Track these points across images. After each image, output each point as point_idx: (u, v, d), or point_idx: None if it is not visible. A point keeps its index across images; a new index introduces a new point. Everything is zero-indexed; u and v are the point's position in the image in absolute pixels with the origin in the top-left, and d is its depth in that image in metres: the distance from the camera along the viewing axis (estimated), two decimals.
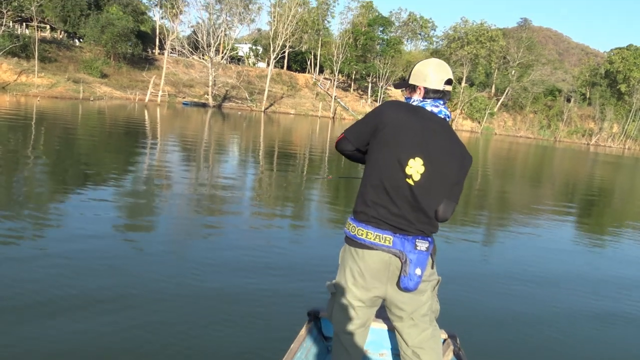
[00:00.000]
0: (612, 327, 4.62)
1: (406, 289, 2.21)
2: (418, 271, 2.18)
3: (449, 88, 2.35)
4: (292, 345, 2.65)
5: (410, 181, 2.19)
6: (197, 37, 56.54)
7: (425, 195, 2.21)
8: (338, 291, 2.35)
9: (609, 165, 33.75)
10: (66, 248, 5.15)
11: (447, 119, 2.34)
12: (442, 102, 2.33)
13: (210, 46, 56.49)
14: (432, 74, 2.33)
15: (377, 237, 2.19)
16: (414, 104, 2.33)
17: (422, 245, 2.20)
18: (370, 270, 2.24)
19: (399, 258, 2.20)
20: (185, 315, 3.86)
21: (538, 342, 4.11)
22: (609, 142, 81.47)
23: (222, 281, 4.67)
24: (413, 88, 2.37)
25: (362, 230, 2.22)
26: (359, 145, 2.34)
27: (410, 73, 2.42)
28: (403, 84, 2.46)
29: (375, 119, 2.26)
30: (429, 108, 2.30)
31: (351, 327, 2.34)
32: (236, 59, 72.61)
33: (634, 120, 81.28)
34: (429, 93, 2.32)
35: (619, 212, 12.58)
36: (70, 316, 3.70)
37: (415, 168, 2.18)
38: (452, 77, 2.36)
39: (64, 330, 3.50)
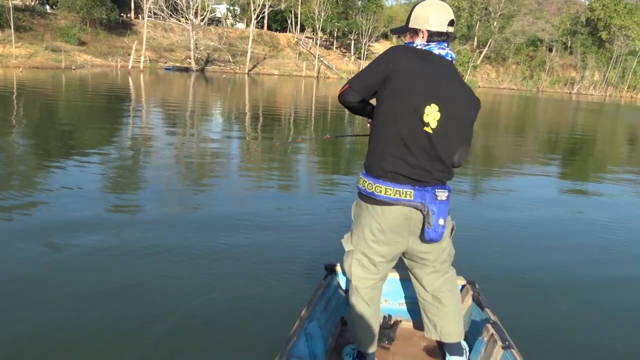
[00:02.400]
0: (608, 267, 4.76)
1: (431, 240, 2.21)
2: (441, 221, 2.17)
3: (451, 29, 2.25)
4: (311, 298, 2.68)
5: (428, 129, 2.12)
6: None
7: (443, 143, 2.16)
8: (357, 248, 2.32)
9: (590, 112, 34.30)
10: (50, 215, 5.11)
11: (453, 61, 2.28)
12: (446, 45, 2.25)
13: (189, 8, 55.31)
14: (434, 15, 2.21)
15: (397, 192, 2.14)
16: (419, 48, 2.23)
17: (442, 194, 2.17)
18: (390, 226, 2.21)
19: (421, 210, 2.17)
20: (193, 274, 3.87)
21: (549, 282, 4.21)
22: (591, 90, 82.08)
23: (227, 240, 4.62)
24: (415, 32, 2.26)
25: (380, 187, 2.16)
26: (366, 95, 2.24)
27: (410, 17, 2.29)
28: (403, 29, 2.33)
29: (386, 67, 2.15)
30: (436, 51, 2.22)
31: (371, 282, 2.34)
32: (215, 21, 71.20)
33: (614, 68, 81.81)
34: (432, 36, 2.22)
35: (602, 158, 13.03)
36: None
37: (432, 115, 2.12)
38: (454, 18, 2.27)
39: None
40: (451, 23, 2.24)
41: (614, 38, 79.64)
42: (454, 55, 2.27)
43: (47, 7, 55.96)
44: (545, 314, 3.66)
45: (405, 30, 2.31)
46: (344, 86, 2.26)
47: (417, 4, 2.30)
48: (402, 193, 2.14)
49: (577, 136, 17.91)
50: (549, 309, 3.76)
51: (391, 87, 2.14)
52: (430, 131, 2.13)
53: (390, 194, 2.15)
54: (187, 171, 7.66)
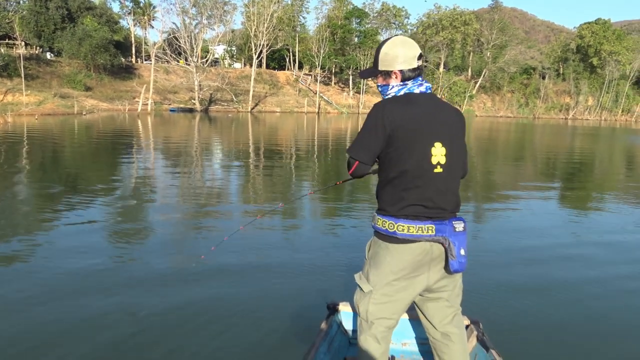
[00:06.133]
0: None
1: (456, 272, 2.22)
2: (462, 251, 2.20)
3: (421, 62, 2.26)
4: (314, 340, 2.66)
5: (438, 169, 2.17)
6: (179, 42, 56.94)
7: (452, 176, 2.24)
8: (375, 289, 2.29)
9: (587, 136, 34.98)
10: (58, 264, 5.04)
11: (430, 90, 2.29)
12: (421, 79, 2.26)
13: (193, 50, 57.06)
14: (402, 53, 2.22)
15: (420, 229, 2.16)
16: (396, 89, 2.25)
17: (459, 225, 2.21)
18: (412, 263, 2.22)
19: (442, 244, 2.20)
20: (193, 318, 3.79)
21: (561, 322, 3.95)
22: (586, 115, 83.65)
23: (224, 280, 4.60)
24: (387, 74, 2.27)
25: (402, 226, 2.17)
26: (374, 161, 2.26)
27: (377, 59, 2.29)
28: (372, 71, 2.34)
29: (384, 129, 2.15)
30: (416, 90, 2.23)
31: (389, 322, 2.34)
32: (213, 62, 73.18)
33: (607, 92, 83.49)
34: (405, 74, 2.23)
35: (602, 179, 13.42)
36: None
37: (439, 153, 2.17)
38: (422, 52, 2.28)
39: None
40: (420, 57, 2.26)
41: (605, 63, 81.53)
42: (430, 85, 2.30)
43: (48, 54, 57.42)
44: (552, 355, 3.49)
45: (375, 73, 2.32)
46: (352, 163, 2.25)
47: (381, 46, 2.30)
48: (424, 229, 2.17)
49: (576, 160, 18.60)
50: (556, 349, 3.55)
51: (396, 143, 2.16)
52: (441, 170, 2.19)
53: (412, 232, 2.17)
54: (190, 211, 7.76)
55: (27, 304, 4.03)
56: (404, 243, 2.19)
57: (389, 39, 2.29)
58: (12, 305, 4.01)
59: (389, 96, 2.26)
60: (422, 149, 2.15)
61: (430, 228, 2.17)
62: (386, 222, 2.21)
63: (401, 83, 2.24)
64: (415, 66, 2.23)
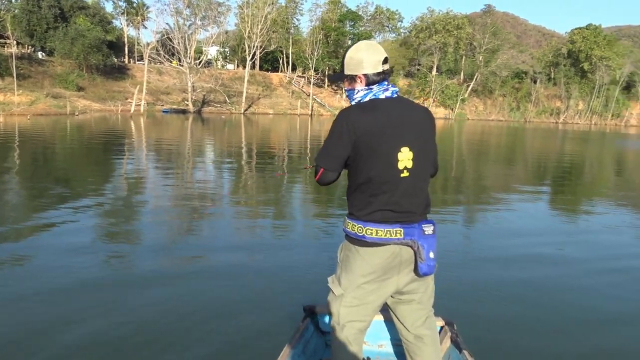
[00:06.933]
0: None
1: (425, 275, 2.25)
2: (432, 254, 2.22)
3: (387, 67, 2.25)
4: (290, 341, 2.68)
5: (405, 174, 2.19)
6: (173, 43, 56.84)
7: (420, 178, 2.26)
8: (346, 292, 2.31)
9: (577, 141, 35.35)
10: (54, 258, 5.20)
11: (397, 95, 2.29)
12: (386, 83, 2.25)
13: (186, 51, 56.95)
14: (367, 58, 2.23)
15: (388, 232, 2.19)
16: (362, 94, 2.25)
17: (429, 228, 2.23)
18: (382, 266, 2.24)
19: (411, 247, 2.22)
20: (172, 317, 3.84)
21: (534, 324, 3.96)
22: (576, 119, 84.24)
23: (201, 277, 4.69)
24: (352, 78, 2.27)
25: (371, 229, 2.20)
26: (342, 168, 2.27)
27: (343, 63, 2.30)
28: (339, 75, 2.33)
29: (349, 136, 2.16)
30: (382, 96, 2.23)
31: (361, 324, 2.36)
32: (206, 63, 73.11)
33: (598, 97, 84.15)
34: (370, 78, 2.23)
35: (590, 183, 13.64)
36: None
37: (406, 158, 2.18)
38: (387, 55, 2.27)
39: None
40: (385, 61, 2.25)
41: (595, 68, 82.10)
42: (396, 89, 2.29)
43: (40, 54, 57.10)
44: (526, 355, 3.52)
45: (342, 77, 2.33)
46: (318, 171, 2.27)
47: (347, 50, 2.32)
48: (393, 232, 2.19)
49: (566, 164, 18.80)
50: (529, 351, 3.55)
51: (361, 151, 2.17)
52: (408, 174, 2.19)
53: (381, 235, 2.19)
54: (176, 212, 7.79)
55: (18, 300, 4.12)
56: (373, 246, 2.21)
57: (354, 43, 2.32)
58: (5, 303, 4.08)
59: (355, 101, 2.27)
60: (388, 155, 2.17)
61: (398, 231, 2.19)
62: (355, 225, 2.24)
63: (366, 87, 2.25)
64: (380, 70, 2.24)
